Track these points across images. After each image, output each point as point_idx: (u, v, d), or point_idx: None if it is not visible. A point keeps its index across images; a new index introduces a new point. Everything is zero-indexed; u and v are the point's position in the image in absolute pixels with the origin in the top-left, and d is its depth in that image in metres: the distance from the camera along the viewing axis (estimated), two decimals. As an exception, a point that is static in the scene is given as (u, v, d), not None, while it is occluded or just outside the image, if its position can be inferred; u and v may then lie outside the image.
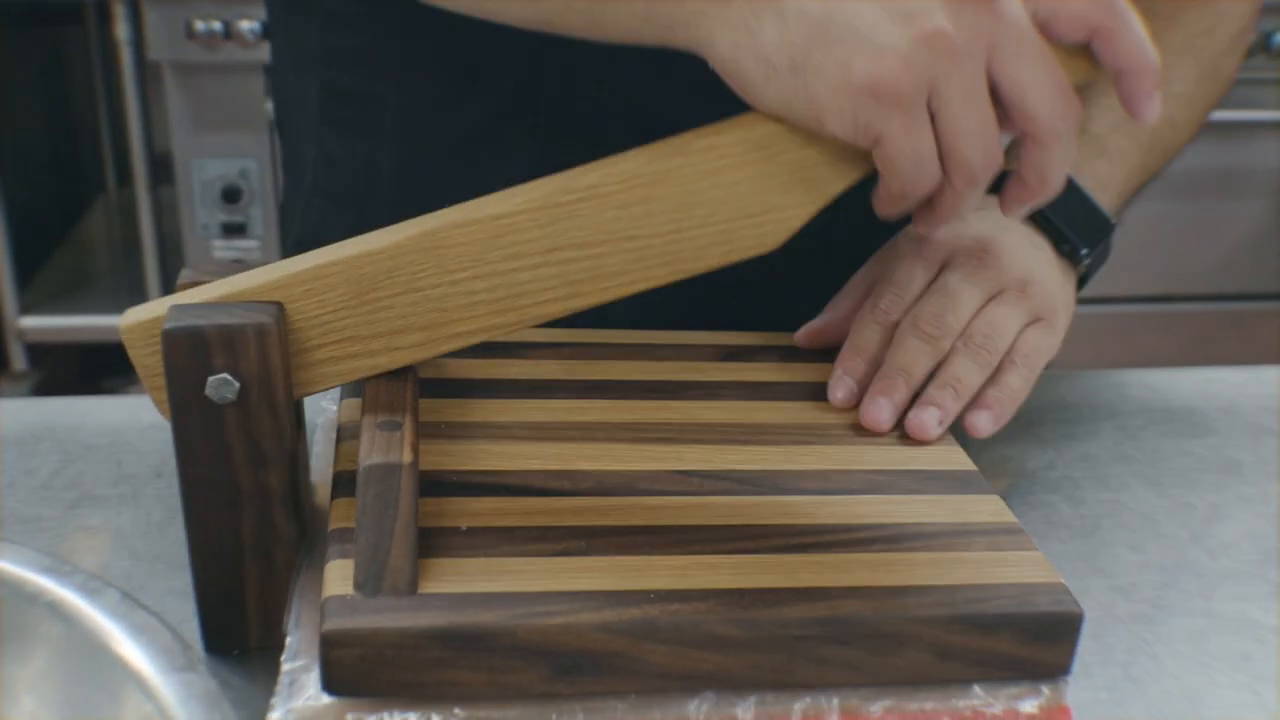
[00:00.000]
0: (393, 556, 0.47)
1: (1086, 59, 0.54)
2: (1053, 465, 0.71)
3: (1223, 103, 0.82)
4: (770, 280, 0.75)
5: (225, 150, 2.00)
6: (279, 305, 0.52)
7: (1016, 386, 0.64)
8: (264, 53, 1.86)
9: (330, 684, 0.46)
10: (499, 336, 0.56)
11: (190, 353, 0.50)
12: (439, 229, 0.53)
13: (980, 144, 0.51)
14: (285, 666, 0.48)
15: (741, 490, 0.56)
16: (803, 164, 0.54)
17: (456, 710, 0.47)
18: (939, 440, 0.61)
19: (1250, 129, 2.04)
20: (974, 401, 0.63)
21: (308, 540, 0.55)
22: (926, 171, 0.52)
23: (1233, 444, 0.75)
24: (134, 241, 2.15)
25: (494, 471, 0.55)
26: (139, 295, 2.07)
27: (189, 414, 0.51)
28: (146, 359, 0.51)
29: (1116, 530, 0.66)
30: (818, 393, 0.65)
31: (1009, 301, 0.65)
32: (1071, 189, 0.69)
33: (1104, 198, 0.71)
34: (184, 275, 0.55)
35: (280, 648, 0.50)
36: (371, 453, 0.48)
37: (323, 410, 0.66)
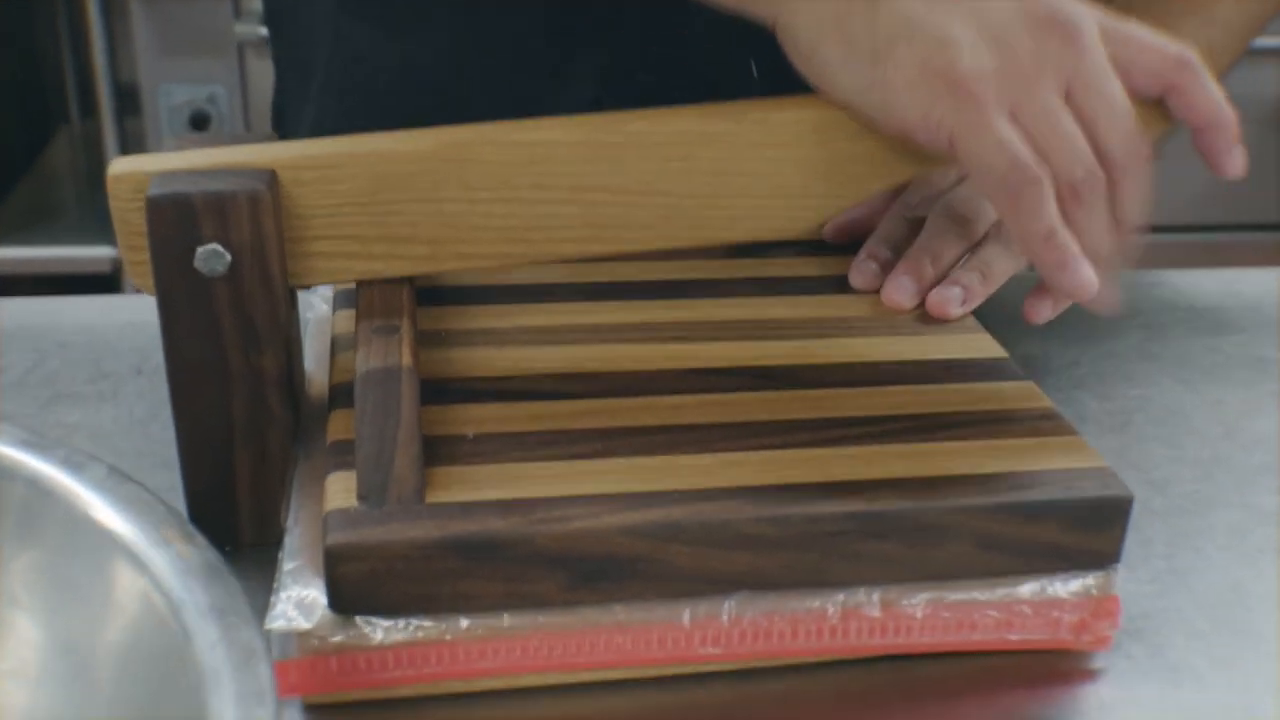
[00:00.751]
0: (397, 465, 0.44)
1: (1160, 111, 0.52)
2: (1077, 362, 0.68)
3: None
4: None
5: (192, 76, 1.94)
6: (272, 173, 0.48)
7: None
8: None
9: (337, 602, 0.43)
10: (501, 268, 0.54)
11: (177, 221, 0.46)
12: (470, 143, 0.50)
13: (1069, 150, 0.48)
14: (286, 566, 0.45)
15: (762, 386, 0.52)
16: (851, 156, 0.53)
17: (466, 622, 0.43)
18: (966, 327, 0.58)
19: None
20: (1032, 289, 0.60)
21: (304, 430, 0.52)
22: (1016, 161, 0.48)
23: (1260, 342, 0.72)
24: (99, 173, 2.09)
25: (498, 377, 0.52)
26: (105, 227, 2.01)
27: (176, 288, 0.47)
28: (130, 214, 0.48)
29: (1148, 426, 0.63)
30: (836, 286, 0.62)
31: None
32: None
33: None
34: (169, 144, 0.51)
35: (275, 545, 0.46)
36: (369, 358, 0.44)
37: (313, 305, 0.62)
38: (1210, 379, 0.68)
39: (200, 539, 0.35)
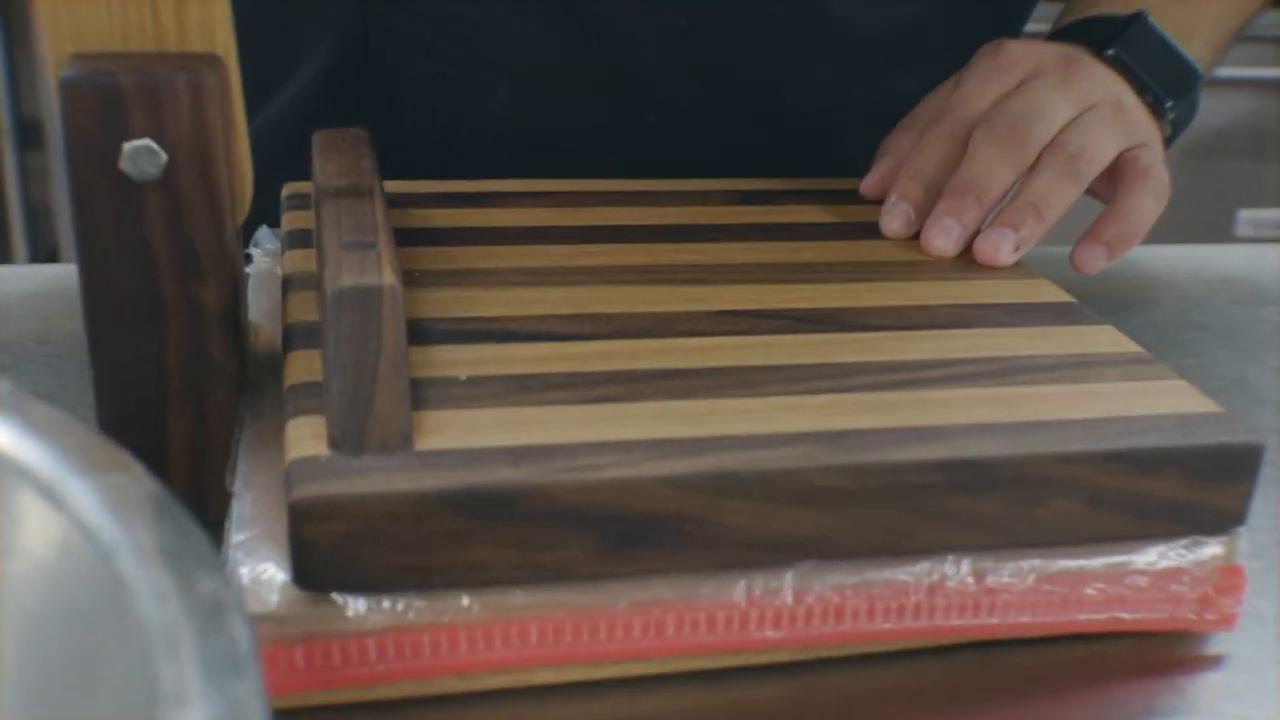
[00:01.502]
0: (378, 402, 0.35)
1: None
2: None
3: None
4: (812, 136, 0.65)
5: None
6: (219, 59, 0.39)
7: (1143, 205, 0.53)
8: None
9: (304, 575, 0.34)
10: None
11: (100, 110, 0.37)
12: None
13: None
14: (234, 538, 0.36)
15: (804, 329, 0.44)
16: None
17: (468, 600, 0.35)
18: (1022, 272, 0.51)
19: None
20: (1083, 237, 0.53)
21: (251, 386, 0.43)
22: None
23: (1306, 312, 0.66)
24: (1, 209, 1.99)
25: (492, 318, 0.43)
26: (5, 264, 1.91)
27: (97, 195, 0.38)
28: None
29: (1212, 394, 0.56)
30: (867, 231, 0.54)
31: (1105, 118, 0.53)
32: (1148, 34, 0.58)
33: (1188, 46, 0.60)
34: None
35: (217, 525, 0.37)
36: (340, 275, 0.35)
37: (251, 259, 0.53)
38: (1265, 347, 0.61)
39: (140, 468, 0.26)
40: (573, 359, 0.40)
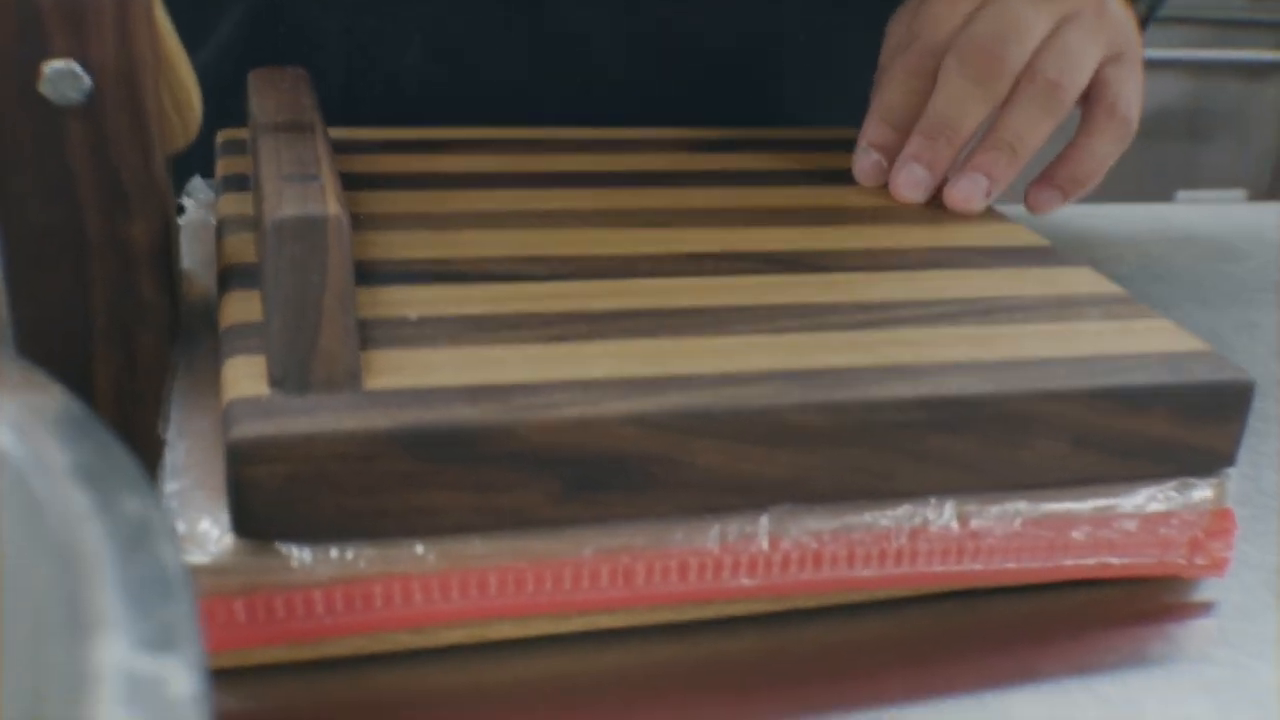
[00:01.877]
0: (323, 337, 0.32)
1: None
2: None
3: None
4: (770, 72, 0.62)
5: None
6: (146, -25, 0.36)
7: (1102, 150, 0.51)
8: None
9: (244, 521, 0.31)
10: None
11: (16, 27, 0.34)
12: None
13: None
14: (167, 488, 0.33)
15: (773, 270, 0.42)
16: None
17: (422, 548, 0.32)
18: (994, 217, 0.49)
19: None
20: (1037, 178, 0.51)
21: (185, 335, 0.40)
22: None
23: (1273, 266, 0.64)
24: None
25: (443, 259, 0.41)
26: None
27: (15, 122, 0.35)
28: None
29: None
30: (827, 178, 0.52)
31: (1086, 26, 0.50)
32: None
33: None
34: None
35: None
36: (281, 206, 0.33)
37: (182, 209, 0.50)
38: (1233, 302, 0.60)
39: (58, 388, 0.23)
40: (530, 299, 0.38)
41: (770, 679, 0.34)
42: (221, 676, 0.32)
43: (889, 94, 0.51)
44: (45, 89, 0.35)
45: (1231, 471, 0.38)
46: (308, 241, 0.32)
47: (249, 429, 0.30)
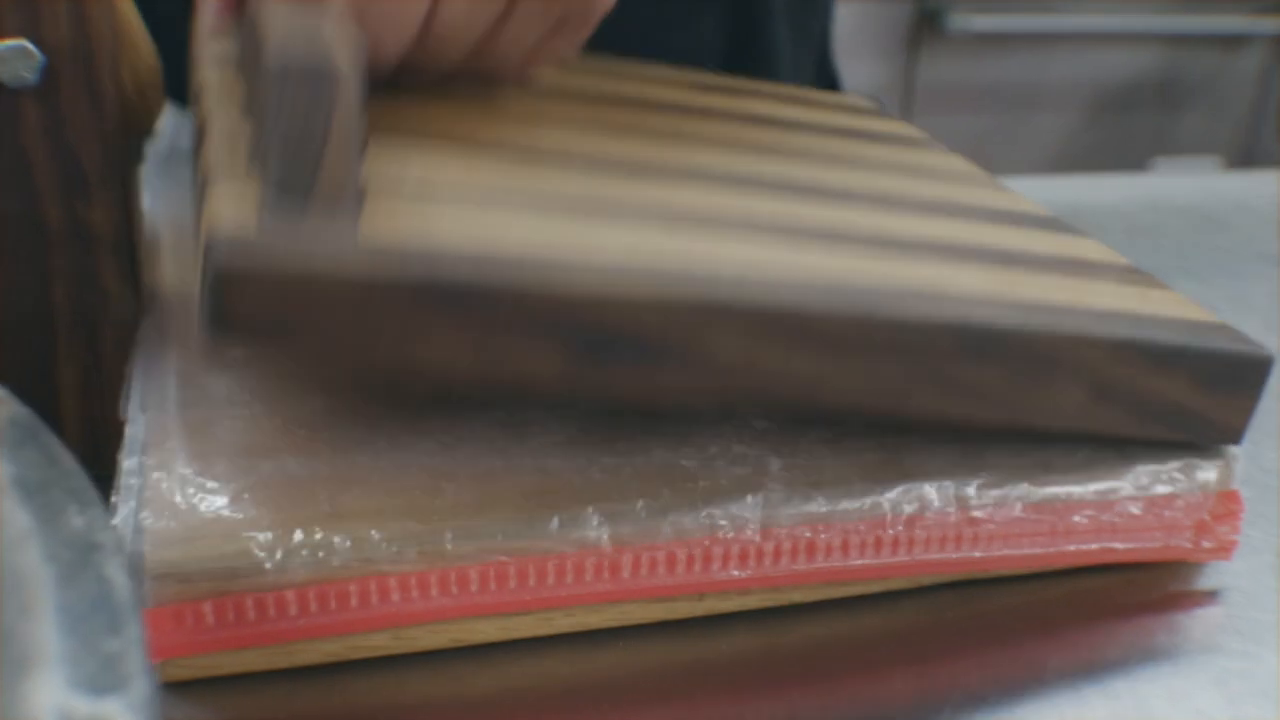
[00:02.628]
0: (329, 159, 0.28)
1: None
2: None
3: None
4: None
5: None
6: (101, -50, 0.34)
7: None
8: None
9: (217, 322, 0.26)
10: None
11: (-38, 5, 0.33)
12: None
13: None
14: (126, 464, 0.31)
15: (786, 196, 0.39)
16: None
17: (378, 535, 0.30)
18: (999, 186, 0.48)
19: None
20: None
21: (149, 316, 0.39)
22: None
23: (1261, 238, 0.63)
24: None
25: (450, 133, 0.37)
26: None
27: (-37, 103, 0.33)
28: None
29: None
30: (846, 133, 0.50)
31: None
32: None
33: None
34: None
35: (110, 477, 0.32)
36: (285, 48, 0.27)
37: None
38: (1222, 273, 0.59)
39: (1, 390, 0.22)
40: (543, 178, 0.35)
41: (763, 679, 0.32)
42: (190, 688, 0.30)
43: None
44: (-4, 70, 0.33)
45: (1237, 451, 0.37)
46: (315, 85, 0.27)
47: (235, 260, 0.26)
